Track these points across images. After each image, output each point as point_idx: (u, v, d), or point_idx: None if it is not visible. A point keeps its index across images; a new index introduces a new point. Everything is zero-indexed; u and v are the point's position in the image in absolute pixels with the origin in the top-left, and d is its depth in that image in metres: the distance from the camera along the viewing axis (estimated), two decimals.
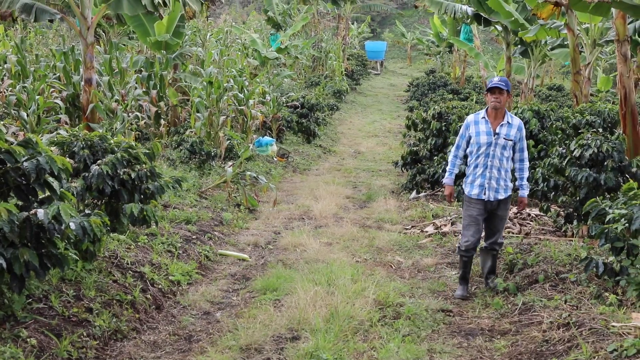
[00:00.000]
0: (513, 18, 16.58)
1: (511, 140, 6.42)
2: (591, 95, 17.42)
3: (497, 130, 6.41)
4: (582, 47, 14.14)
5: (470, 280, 6.78)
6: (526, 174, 6.62)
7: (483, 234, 6.73)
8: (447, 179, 6.90)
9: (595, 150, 7.55)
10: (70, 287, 5.37)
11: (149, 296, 5.99)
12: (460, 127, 10.92)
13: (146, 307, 5.85)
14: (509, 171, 6.51)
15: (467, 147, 6.62)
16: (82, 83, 11.32)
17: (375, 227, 9.61)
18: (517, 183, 6.69)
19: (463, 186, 6.69)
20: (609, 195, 7.30)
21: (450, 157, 6.83)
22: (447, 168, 6.88)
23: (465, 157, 6.72)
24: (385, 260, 7.90)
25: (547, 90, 29.19)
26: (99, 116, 11.27)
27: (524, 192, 6.67)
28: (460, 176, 7.75)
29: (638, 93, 11.77)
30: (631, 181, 6.30)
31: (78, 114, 12.13)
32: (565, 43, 16.24)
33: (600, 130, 8.80)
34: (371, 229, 9.49)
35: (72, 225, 4.59)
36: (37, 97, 10.71)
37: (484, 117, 6.51)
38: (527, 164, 6.62)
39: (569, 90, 27.01)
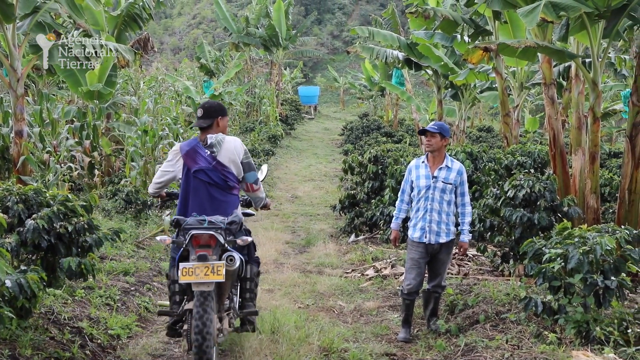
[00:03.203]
0: (443, 62, 17.03)
1: (450, 184, 6.48)
2: (520, 136, 17.94)
3: (435, 174, 6.49)
4: (510, 89, 14.61)
5: (413, 322, 6.82)
6: (468, 219, 6.62)
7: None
8: (393, 224, 6.93)
9: (528, 191, 7.75)
10: (5, 346, 5.18)
11: (88, 352, 5.81)
12: (396, 170, 11.17)
13: None
14: (451, 215, 6.55)
15: (412, 191, 6.69)
16: (12, 135, 11.08)
17: (316, 272, 9.60)
18: (459, 228, 6.71)
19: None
20: (542, 235, 7.48)
21: (397, 203, 6.88)
22: (394, 213, 6.93)
23: (412, 201, 6.77)
24: (327, 305, 7.88)
25: (478, 132, 29.90)
26: (30, 168, 11.03)
27: (464, 237, 6.64)
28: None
29: (565, 133, 12.18)
30: (565, 220, 6.50)
31: (8, 167, 11.85)
32: (494, 86, 16.78)
33: (532, 170, 9.04)
34: (312, 273, 9.47)
35: (8, 283, 4.46)
36: None
37: (424, 162, 6.61)
38: (469, 208, 6.63)
39: (499, 131, 27.74)
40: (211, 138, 5.59)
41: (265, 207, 6.19)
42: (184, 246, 5.07)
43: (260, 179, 6.18)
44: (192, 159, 5.58)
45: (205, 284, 4.88)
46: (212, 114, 5.67)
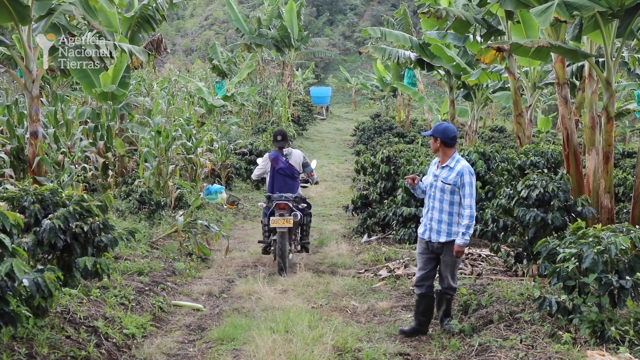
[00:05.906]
0: (455, 63, 17.00)
1: (449, 184, 6.41)
2: (533, 136, 17.87)
3: (436, 173, 6.54)
4: (523, 89, 14.56)
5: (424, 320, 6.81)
6: (465, 222, 6.36)
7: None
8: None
9: (542, 191, 7.72)
10: (22, 345, 5.23)
11: (103, 351, 5.86)
12: (408, 170, 11.19)
13: None
14: (454, 215, 6.44)
15: None
16: (28, 136, 11.14)
17: (329, 272, 9.63)
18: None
19: None
20: (556, 234, 7.45)
21: None
22: None
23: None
24: (341, 305, 7.90)
25: (490, 132, 29.81)
26: (45, 169, 11.09)
27: (458, 240, 6.39)
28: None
29: (578, 133, 12.14)
30: (579, 220, 6.47)
31: (23, 167, 11.92)
32: (507, 86, 16.72)
33: (545, 170, 9.02)
34: (325, 274, 9.49)
35: (25, 282, 4.50)
36: None
37: (437, 160, 6.66)
38: (467, 211, 6.37)
39: (511, 132, 27.66)
40: (286, 150, 10.02)
41: (317, 183, 10.90)
42: (271, 208, 9.55)
43: (313, 167, 10.47)
44: (276, 161, 9.94)
45: (283, 228, 9.33)
46: (287, 138, 10.05)
